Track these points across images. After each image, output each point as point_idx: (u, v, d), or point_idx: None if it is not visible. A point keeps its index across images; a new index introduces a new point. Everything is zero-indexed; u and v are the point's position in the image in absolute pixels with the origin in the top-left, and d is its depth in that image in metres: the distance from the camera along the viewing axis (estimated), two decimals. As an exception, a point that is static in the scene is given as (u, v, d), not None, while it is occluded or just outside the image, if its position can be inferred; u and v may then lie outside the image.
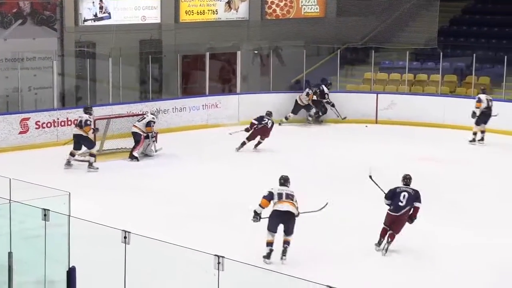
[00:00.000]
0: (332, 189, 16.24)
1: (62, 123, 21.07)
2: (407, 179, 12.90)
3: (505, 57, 23.58)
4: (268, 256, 12.13)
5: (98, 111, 20.71)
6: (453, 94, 24.87)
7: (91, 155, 18.39)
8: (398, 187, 12.76)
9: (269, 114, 20.68)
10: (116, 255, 9.33)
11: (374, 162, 15.74)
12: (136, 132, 19.37)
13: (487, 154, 20.55)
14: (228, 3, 27.28)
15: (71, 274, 8.19)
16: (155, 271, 10.06)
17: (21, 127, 20.43)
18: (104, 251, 9.75)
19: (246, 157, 19.60)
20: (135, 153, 19.26)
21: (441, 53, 24.92)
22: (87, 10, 24.24)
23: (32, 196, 8.41)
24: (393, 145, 21.06)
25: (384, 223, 12.65)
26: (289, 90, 25.91)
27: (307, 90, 23.93)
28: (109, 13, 24.65)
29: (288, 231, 12.18)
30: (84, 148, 18.76)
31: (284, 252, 12.17)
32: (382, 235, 12.65)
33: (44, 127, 20.77)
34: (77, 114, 21.20)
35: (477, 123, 21.27)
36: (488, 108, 21.18)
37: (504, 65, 23.49)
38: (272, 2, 28.33)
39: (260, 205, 12.23)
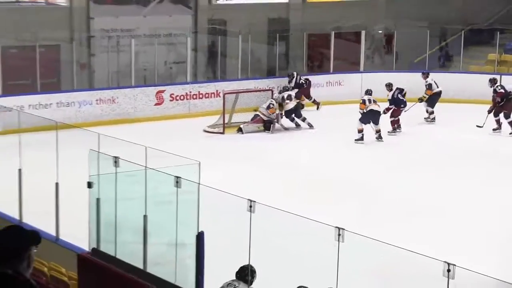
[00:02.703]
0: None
1: (194, 96, 21.48)
2: None
3: None
4: (361, 139, 18.40)
5: (227, 86, 21.03)
6: None
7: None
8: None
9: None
10: (241, 222, 9.51)
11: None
12: (257, 115, 19.59)
13: None
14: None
15: (200, 238, 8.36)
16: (278, 239, 10.20)
17: (156, 99, 20.95)
18: (230, 218, 9.93)
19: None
20: (242, 126, 19.52)
21: None
22: (220, -11, 24.55)
23: (166, 164, 8.58)
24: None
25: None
26: (411, 70, 25.52)
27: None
28: (241, -8, 24.86)
29: (377, 123, 18.52)
30: (214, 120, 19.11)
31: (380, 137, 18.56)
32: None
33: (177, 100, 21.22)
34: (208, 88, 21.68)
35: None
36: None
37: None
38: (398, -16, 27.89)
39: (360, 107, 18.65)
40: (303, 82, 22.10)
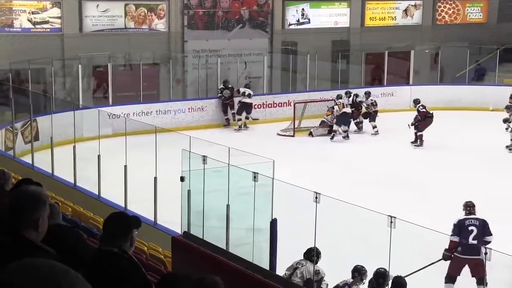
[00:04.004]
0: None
1: (269, 105, 21.47)
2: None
3: None
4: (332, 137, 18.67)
5: (297, 97, 20.95)
6: None
7: (247, 118, 20.00)
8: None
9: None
10: (308, 211, 9.38)
11: None
12: (324, 121, 19.48)
13: None
14: (405, 11, 26.73)
15: (273, 224, 8.33)
16: (340, 226, 10.07)
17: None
18: (299, 208, 9.86)
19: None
20: (312, 130, 19.45)
21: None
22: (292, 16, 24.50)
23: (245, 161, 8.58)
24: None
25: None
26: (453, 83, 25.06)
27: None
28: (309, 19, 24.79)
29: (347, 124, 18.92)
30: (286, 125, 19.07)
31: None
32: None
33: (255, 108, 21.20)
34: (281, 98, 21.67)
35: None
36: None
37: None
38: (442, 10, 27.46)
39: (339, 108, 18.77)
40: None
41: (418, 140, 18.30)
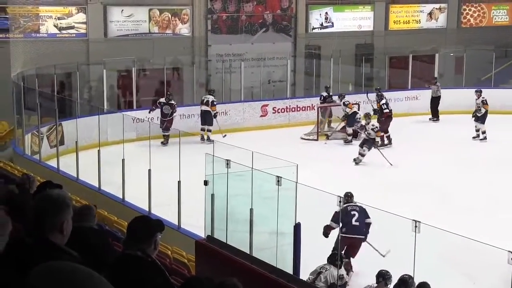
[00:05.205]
0: None
1: (293, 109, 21.43)
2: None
3: None
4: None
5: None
6: None
7: (209, 130, 18.65)
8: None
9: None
10: (331, 215, 9.34)
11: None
12: (345, 126, 19.44)
13: None
14: (430, 14, 26.62)
15: (297, 228, 8.32)
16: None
17: (261, 111, 20.98)
18: (323, 212, 9.85)
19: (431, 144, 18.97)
20: (329, 133, 19.61)
21: None
22: (315, 20, 24.49)
23: (268, 165, 8.57)
24: None
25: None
26: (478, 86, 24.81)
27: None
28: (332, 23, 24.77)
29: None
30: (309, 129, 19.03)
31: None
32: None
33: (279, 112, 21.21)
34: (305, 102, 21.62)
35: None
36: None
37: None
38: (467, 13, 27.29)
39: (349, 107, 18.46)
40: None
41: (385, 140, 18.25)
